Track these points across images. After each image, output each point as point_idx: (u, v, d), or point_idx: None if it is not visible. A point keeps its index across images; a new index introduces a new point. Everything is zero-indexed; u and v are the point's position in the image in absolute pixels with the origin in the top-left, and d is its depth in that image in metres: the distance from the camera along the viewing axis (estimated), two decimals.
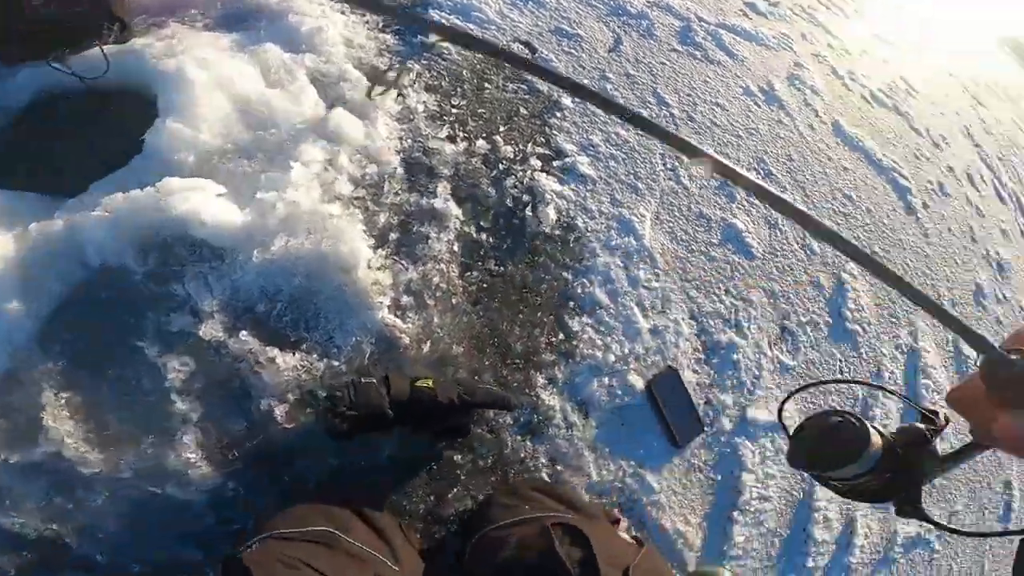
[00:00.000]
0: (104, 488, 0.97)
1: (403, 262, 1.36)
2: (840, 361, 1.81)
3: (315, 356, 1.19)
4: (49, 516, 0.93)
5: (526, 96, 1.77)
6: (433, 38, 1.63)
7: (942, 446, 0.60)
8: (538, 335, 1.43)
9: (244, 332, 1.17)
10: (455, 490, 1.18)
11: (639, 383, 1.46)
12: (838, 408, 0.64)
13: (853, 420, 0.59)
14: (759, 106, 2.29)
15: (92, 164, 1.30)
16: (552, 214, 1.59)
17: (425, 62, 1.67)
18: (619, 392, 1.43)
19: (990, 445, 0.54)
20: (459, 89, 1.68)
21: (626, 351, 1.49)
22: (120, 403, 1.05)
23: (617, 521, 0.78)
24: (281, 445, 1.10)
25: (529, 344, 1.41)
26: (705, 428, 1.46)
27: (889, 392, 0.78)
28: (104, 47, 1.28)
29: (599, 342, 1.47)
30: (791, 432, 0.65)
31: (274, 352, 1.16)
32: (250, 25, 1.53)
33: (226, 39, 1.47)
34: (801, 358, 1.74)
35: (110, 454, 0.98)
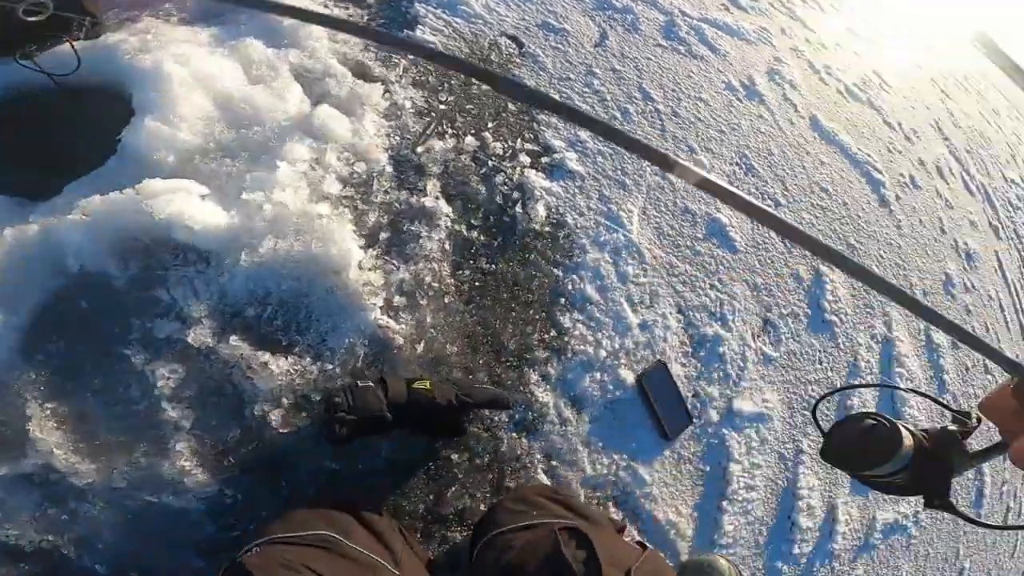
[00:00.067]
0: (99, 498, 0.95)
1: (394, 262, 1.35)
2: (819, 352, 1.86)
3: (308, 359, 1.18)
4: (45, 528, 0.91)
5: None
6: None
7: (971, 442, 0.64)
8: (530, 332, 1.44)
9: (234, 337, 1.15)
10: (453, 489, 1.19)
11: (630, 377, 1.48)
12: (870, 411, 0.68)
13: (885, 422, 0.63)
14: (740, 101, 2.32)
15: (66, 165, 1.25)
16: (542, 211, 1.60)
17: (411, 58, 1.64)
18: (611, 387, 1.45)
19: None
20: (446, 85, 1.66)
21: (616, 346, 1.51)
22: (109, 413, 1.02)
23: (623, 528, 0.80)
24: (278, 450, 1.09)
25: (522, 342, 1.42)
26: (693, 420, 1.50)
27: (924, 396, 0.82)
28: (75, 43, 1.22)
29: (590, 338, 1.49)
30: (825, 431, 0.69)
31: (266, 356, 1.14)
32: (228, 19, 1.48)
33: (204, 34, 1.42)
34: (783, 349, 1.80)
35: (102, 464, 0.96)
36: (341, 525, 0.90)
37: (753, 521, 1.45)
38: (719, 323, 1.72)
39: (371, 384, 1.05)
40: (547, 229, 1.59)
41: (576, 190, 1.69)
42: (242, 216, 1.23)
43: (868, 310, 2.07)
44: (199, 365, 1.11)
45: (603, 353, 1.48)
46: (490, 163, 1.59)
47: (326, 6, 1.60)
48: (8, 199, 1.21)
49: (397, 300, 1.31)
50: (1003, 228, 3.00)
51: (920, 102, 3.40)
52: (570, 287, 1.54)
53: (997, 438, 0.59)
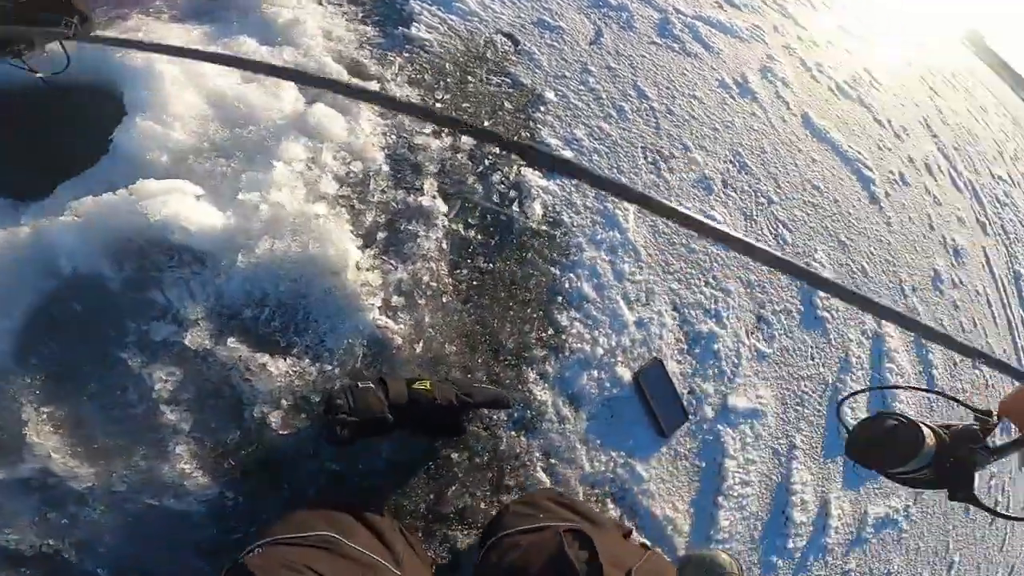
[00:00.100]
0: (99, 502, 0.94)
1: (392, 262, 1.35)
2: (811, 348, 1.89)
3: (307, 361, 1.18)
4: (45, 532, 0.91)
5: (510, 90, 1.76)
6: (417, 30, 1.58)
7: (992, 439, 0.66)
8: (528, 331, 1.44)
9: (232, 339, 1.14)
10: (453, 488, 1.19)
11: (626, 375, 1.49)
12: (891, 412, 0.71)
13: (907, 423, 0.66)
14: (734, 99, 2.34)
15: (56, 165, 1.23)
16: (538, 209, 1.60)
17: (407, 55, 1.63)
18: (608, 385, 1.46)
19: None
20: (442, 83, 1.65)
21: (613, 344, 1.52)
22: (106, 416, 1.01)
23: (629, 532, 0.82)
24: (278, 452, 1.08)
25: (520, 340, 1.42)
26: (689, 417, 1.52)
27: (948, 397, 0.87)
28: (64, 42, 1.20)
29: (587, 336, 1.50)
30: (849, 430, 0.72)
31: (264, 358, 1.14)
32: (221, 17, 1.46)
33: (196, 32, 1.40)
34: (776, 345, 1.82)
35: (101, 468, 0.96)
36: (342, 526, 0.90)
37: (748, 516, 1.47)
38: (714, 320, 1.74)
39: (371, 385, 1.05)
40: (544, 228, 1.59)
41: (572, 188, 1.69)
42: (238, 217, 1.22)
43: None
44: (197, 367, 1.10)
45: (600, 351, 1.49)
46: (487, 162, 1.59)
47: (321, 3, 1.58)
48: None
49: (395, 300, 1.30)
50: (990, 224, 3.05)
51: (909, 99, 3.45)
52: (567, 285, 1.54)
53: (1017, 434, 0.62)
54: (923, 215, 2.70)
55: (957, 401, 0.80)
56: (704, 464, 1.48)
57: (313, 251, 1.24)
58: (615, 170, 1.83)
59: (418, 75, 1.64)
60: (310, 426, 1.12)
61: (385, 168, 1.45)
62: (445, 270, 1.41)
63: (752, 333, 1.80)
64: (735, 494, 1.47)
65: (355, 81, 1.41)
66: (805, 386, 1.77)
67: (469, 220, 1.50)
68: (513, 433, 1.30)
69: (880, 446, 0.69)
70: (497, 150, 1.60)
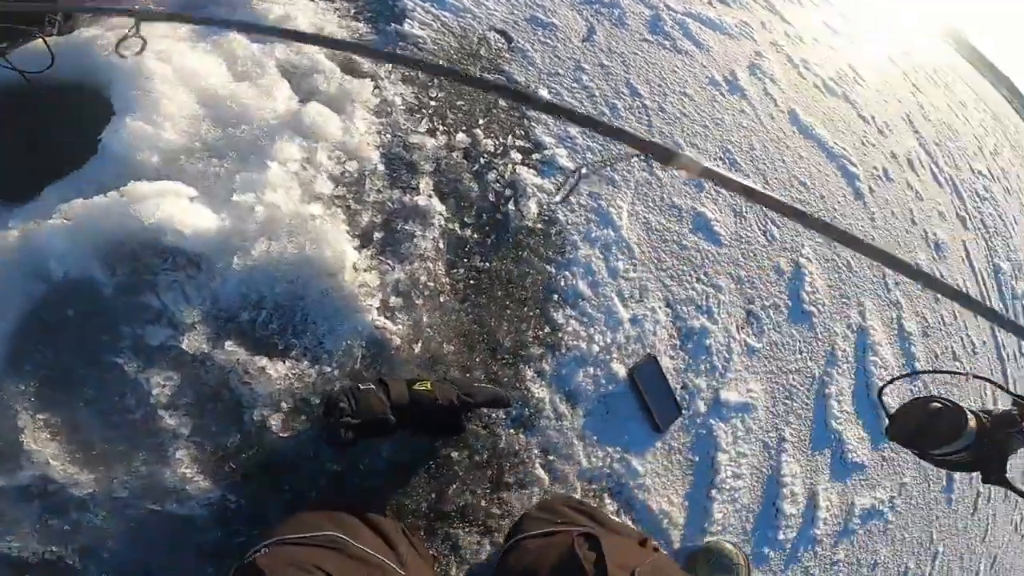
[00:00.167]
0: (100, 508, 0.93)
1: (389, 262, 1.35)
2: (799, 342, 1.94)
3: (306, 363, 1.17)
4: (47, 538, 0.90)
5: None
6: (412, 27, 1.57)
7: None
8: (525, 329, 1.46)
9: (229, 342, 1.13)
10: (454, 486, 1.21)
11: (621, 371, 1.52)
12: (934, 395, 0.74)
13: (952, 406, 0.69)
14: (723, 96, 2.36)
15: (44, 167, 1.20)
16: (534, 208, 1.61)
17: (401, 52, 1.62)
18: (603, 381, 1.48)
19: None
20: (436, 80, 1.64)
21: (608, 341, 1.54)
22: (104, 422, 1.00)
23: (645, 540, 0.84)
24: (279, 454, 1.09)
25: (517, 339, 1.44)
26: (683, 412, 1.55)
27: (990, 382, 0.91)
28: (47, 39, 1.17)
29: (583, 333, 1.52)
30: (891, 413, 0.75)
31: (263, 361, 1.14)
32: (210, 14, 1.43)
33: (185, 29, 1.38)
34: (765, 340, 1.86)
35: (101, 474, 0.95)
36: (348, 526, 0.91)
37: (740, 509, 1.51)
38: (705, 316, 1.77)
39: (372, 386, 1.06)
40: (539, 226, 1.60)
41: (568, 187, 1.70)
42: (233, 218, 1.21)
43: (844, 300, 2.15)
44: (195, 371, 1.09)
45: (596, 348, 1.51)
46: (482, 160, 1.59)
47: None
48: None
49: (393, 301, 1.30)
50: (970, 219, 3.14)
51: (892, 96, 3.51)
52: (563, 283, 1.56)
53: None
54: (905, 210, 2.77)
55: (998, 386, 0.84)
56: (697, 458, 1.51)
57: (310, 252, 1.23)
58: (608, 167, 1.84)
59: (412, 73, 1.63)
60: (311, 428, 1.12)
61: (380, 167, 1.44)
62: (442, 270, 1.42)
63: (742, 328, 1.84)
64: (728, 487, 1.51)
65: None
66: (793, 380, 1.82)
67: (465, 219, 1.50)
68: (512, 431, 1.32)
69: (924, 427, 0.72)
70: (491, 151, 1.60)
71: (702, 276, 1.83)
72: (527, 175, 1.64)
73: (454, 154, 1.56)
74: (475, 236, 1.49)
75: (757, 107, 2.46)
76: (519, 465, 1.30)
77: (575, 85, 1.90)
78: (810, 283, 2.08)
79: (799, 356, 1.88)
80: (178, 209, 1.17)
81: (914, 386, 2.12)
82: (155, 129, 1.25)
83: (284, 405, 1.12)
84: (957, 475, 2.11)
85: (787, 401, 1.76)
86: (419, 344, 1.30)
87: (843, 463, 1.79)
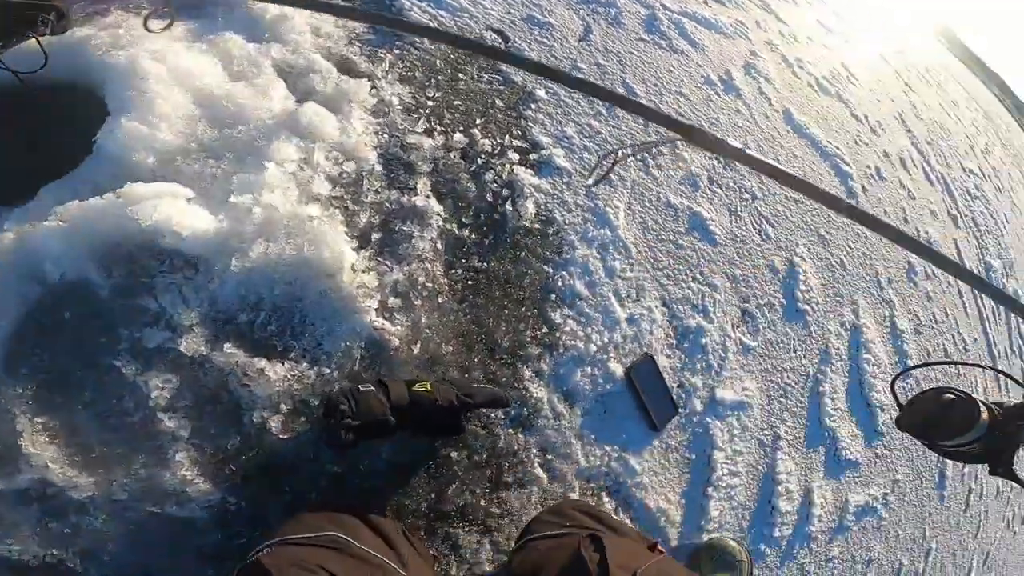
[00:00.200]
0: (100, 511, 0.93)
1: (387, 263, 1.35)
2: (794, 340, 1.95)
3: (305, 364, 1.17)
4: (48, 542, 0.90)
5: (500, 87, 1.75)
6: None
7: None
8: (523, 329, 1.46)
9: (228, 344, 1.13)
10: (454, 486, 1.21)
11: (619, 370, 1.53)
12: (948, 386, 0.75)
13: (965, 397, 0.69)
14: (719, 95, 2.37)
15: (38, 169, 1.19)
16: (531, 208, 1.61)
17: (397, 51, 1.62)
18: (601, 380, 1.49)
19: None
20: (433, 80, 1.64)
21: (606, 340, 1.55)
22: (103, 425, 1.00)
23: (654, 545, 0.85)
24: (279, 456, 1.09)
25: (515, 339, 1.44)
26: (679, 410, 1.56)
27: (1004, 375, 0.91)
28: (40, 39, 1.16)
29: (580, 333, 1.52)
30: (903, 403, 0.76)
31: (262, 363, 1.14)
32: (206, 13, 1.42)
33: (179, 28, 1.36)
34: (760, 339, 1.87)
35: (100, 477, 0.95)
36: (349, 526, 0.92)
37: (736, 506, 1.53)
38: (701, 315, 1.78)
39: (372, 388, 1.06)
40: (536, 226, 1.61)
41: (564, 186, 1.71)
42: (231, 220, 1.20)
43: (837, 299, 2.18)
44: (193, 374, 1.09)
45: (593, 348, 1.52)
46: (479, 160, 1.59)
47: None
48: None
49: (392, 302, 1.31)
50: (961, 217, 3.17)
51: (885, 95, 3.54)
52: (560, 283, 1.56)
53: None
54: (898, 208, 2.80)
55: (1012, 379, 0.85)
56: (694, 456, 1.53)
57: (308, 253, 1.23)
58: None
59: (408, 72, 1.62)
60: (310, 430, 1.12)
61: (378, 168, 1.44)
62: (440, 270, 1.42)
63: (737, 327, 1.85)
64: (724, 484, 1.53)
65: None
66: (788, 378, 1.84)
67: (463, 220, 1.50)
68: (510, 431, 1.33)
69: (936, 418, 0.72)
70: (489, 151, 1.60)
71: (698, 275, 1.84)
72: (524, 175, 1.64)
73: (451, 154, 1.56)
74: (473, 236, 1.50)
75: (752, 107, 2.47)
76: (518, 465, 1.30)
77: None
78: (804, 282, 2.10)
79: (793, 354, 1.90)
80: (175, 211, 1.17)
81: (909, 383, 2.15)
82: (150, 130, 1.24)
83: (283, 407, 1.12)
84: (949, 472, 2.14)
85: (782, 399, 1.78)
86: (418, 345, 1.30)
87: (837, 460, 1.81)
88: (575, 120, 1.84)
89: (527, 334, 1.46)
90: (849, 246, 2.41)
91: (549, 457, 1.35)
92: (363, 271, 1.31)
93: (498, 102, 1.72)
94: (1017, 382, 0.80)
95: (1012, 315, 3.09)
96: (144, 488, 0.97)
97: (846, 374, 1.98)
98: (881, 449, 1.93)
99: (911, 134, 3.39)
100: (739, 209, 2.11)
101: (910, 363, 2.16)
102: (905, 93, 3.87)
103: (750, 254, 2.02)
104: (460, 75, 1.70)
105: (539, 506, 1.29)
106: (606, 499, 1.37)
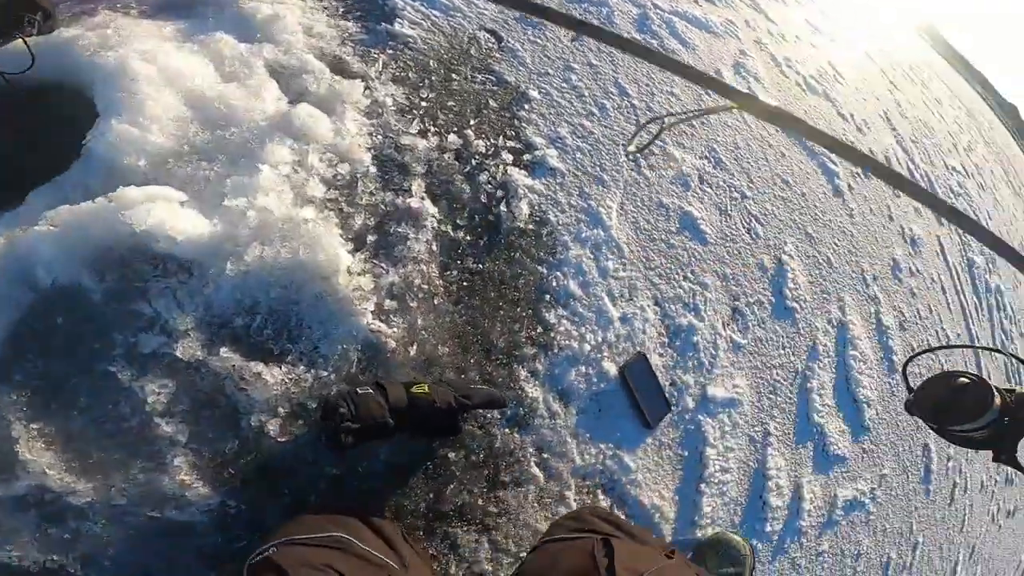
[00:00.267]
0: (99, 516, 0.94)
1: (383, 265, 1.35)
2: (782, 337, 1.99)
3: (302, 367, 1.18)
4: (47, 548, 0.90)
5: (494, 87, 1.76)
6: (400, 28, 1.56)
7: None
8: (518, 330, 1.47)
9: (224, 348, 1.13)
10: (451, 486, 1.23)
11: (612, 369, 1.55)
12: (961, 370, 0.74)
13: (979, 381, 0.70)
14: (709, 95, 2.39)
15: (26, 172, 1.18)
16: (525, 209, 1.62)
17: (391, 52, 1.61)
18: (595, 379, 1.51)
19: None
20: (427, 81, 1.64)
21: (600, 340, 1.57)
22: (100, 431, 1.00)
23: (672, 552, 0.87)
24: (277, 459, 1.09)
25: (510, 339, 1.45)
26: (672, 408, 1.59)
27: (1019, 360, 0.93)
28: (27, 39, 1.14)
29: (574, 333, 1.54)
30: (914, 387, 0.76)
31: (259, 367, 1.14)
32: (195, 13, 1.40)
33: (169, 28, 1.35)
34: (750, 336, 1.91)
35: (99, 482, 0.95)
36: (351, 527, 0.93)
37: (729, 502, 1.56)
38: (692, 313, 1.81)
39: (370, 390, 1.07)
40: (531, 227, 1.62)
41: (557, 187, 1.72)
42: (225, 223, 1.20)
43: (824, 296, 2.22)
44: (190, 378, 1.09)
45: (587, 347, 1.53)
46: (473, 161, 1.60)
47: None
48: None
49: (388, 304, 1.31)
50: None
51: (871, 93, 3.59)
52: (554, 284, 1.58)
53: None
54: (883, 206, 2.84)
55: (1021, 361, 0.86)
56: (687, 453, 1.56)
57: (303, 256, 1.23)
58: (598, 168, 1.86)
59: (402, 72, 1.62)
60: (308, 432, 1.13)
61: (372, 170, 1.44)
62: (436, 272, 1.43)
63: (728, 325, 1.88)
64: (716, 481, 1.56)
65: None
66: (777, 375, 1.87)
67: (458, 221, 1.51)
68: (507, 430, 1.34)
69: (948, 402, 0.72)
70: (483, 152, 1.61)
71: (689, 274, 1.87)
72: (518, 176, 1.65)
73: (446, 155, 1.56)
74: (468, 238, 1.50)
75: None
76: (514, 464, 1.32)
77: (564, 85, 1.91)
78: (792, 279, 2.13)
79: (782, 351, 1.94)
80: (169, 214, 1.16)
81: (892, 378, 2.20)
82: (141, 132, 1.23)
83: (281, 410, 1.12)
84: (934, 466, 2.19)
85: (771, 396, 1.82)
86: (414, 347, 1.31)
87: (825, 455, 1.85)
88: (568, 120, 1.84)
89: (522, 334, 1.47)
90: (835, 244, 2.45)
91: (545, 456, 1.36)
92: (359, 274, 1.31)
93: (492, 103, 1.72)
94: None
95: (994, 311, 3.17)
96: (143, 493, 0.97)
97: (833, 370, 2.02)
98: (868, 444, 1.98)
99: (896, 132, 3.45)
100: (729, 208, 2.14)
101: (895, 359, 2.21)
102: (890, 91, 3.93)
103: (740, 253, 2.05)
104: (454, 75, 1.70)
105: (536, 504, 1.31)
106: (601, 497, 1.40)
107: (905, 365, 0.87)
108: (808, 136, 0.81)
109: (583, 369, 1.51)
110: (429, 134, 1.56)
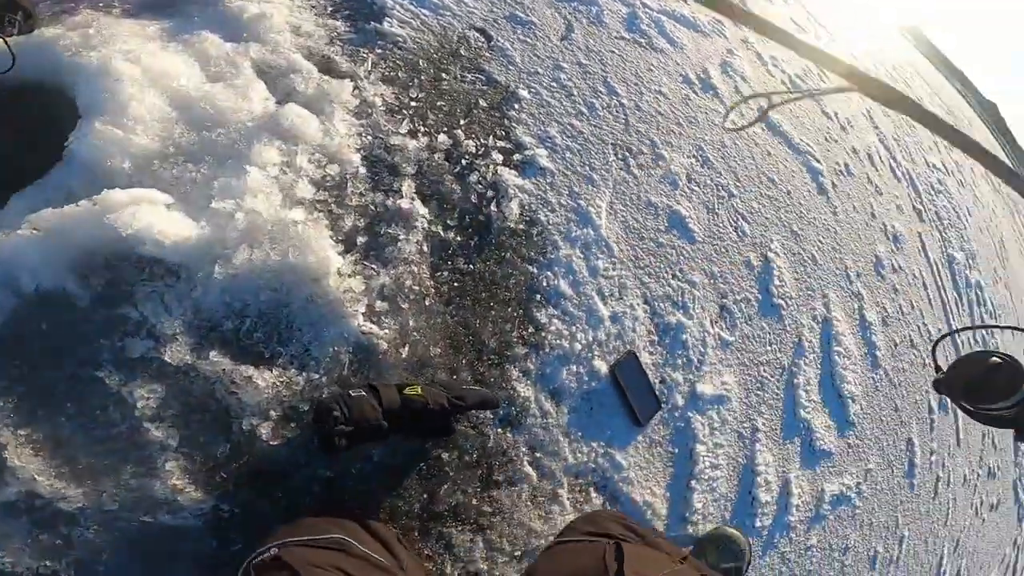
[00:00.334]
0: (92, 522, 0.93)
1: (373, 266, 1.35)
2: (769, 334, 2.02)
3: (293, 370, 1.17)
4: (40, 553, 0.89)
5: (484, 87, 1.75)
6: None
7: None
8: (509, 330, 1.48)
9: (214, 352, 1.12)
10: (445, 486, 1.23)
11: (603, 368, 1.56)
12: (994, 350, 0.76)
13: (1011, 361, 0.71)
14: (697, 94, 2.41)
15: (7, 174, 1.15)
16: (515, 209, 1.63)
17: (380, 51, 1.60)
18: (586, 378, 1.53)
19: None
20: (416, 80, 1.63)
21: (590, 339, 1.58)
22: (89, 436, 0.98)
23: (684, 558, 0.88)
24: (270, 462, 1.09)
25: (502, 339, 1.46)
26: (662, 405, 1.61)
27: None
28: (8, 39, 1.12)
29: (565, 332, 1.55)
30: (944, 368, 0.77)
31: (249, 370, 1.13)
32: (180, 11, 1.38)
33: (153, 27, 1.33)
34: (738, 333, 1.93)
35: (90, 488, 0.94)
36: (350, 530, 0.93)
37: (719, 498, 1.59)
38: (681, 311, 1.83)
39: (363, 392, 1.07)
40: (521, 227, 1.62)
41: (547, 187, 1.72)
42: (213, 226, 1.18)
43: (809, 293, 2.25)
44: (180, 383, 1.08)
45: (578, 346, 1.55)
46: (464, 162, 1.60)
47: None
48: None
49: (379, 305, 1.31)
50: (925, 211, 3.31)
51: (854, 92, 3.64)
52: (544, 283, 1.58)
53: None
54: (866, 204, 2.90)
55: None
56: (677, 450, 1.58)
57: (293, 259, 1.22)
58: (587, 167, 1.87)
59: (391, 72, 1.61)
60: (301, 435, 1.12)
61: (362, 170, 1.43)
62: (426, 273, 1.42)
63: (716, 322, 1.91)
64: (706, 477, 1.58)
65: None
66: (764, 371, 1.90)
67: (448, 222, 1.51)
68: (499, 430, 1.35)
69: (980, 382, 0.74)
70: (473, 152, 1.61)
71: (677, 273, 1.89)
72: (508, 176, 1.65)
73: (436, 156, 1.56)
74: (458, 238, 1.50)
75: (728, 105, 2.52)
76: (507, 463, 1.33)
77: (554, 84, 1.92)
78: (779, 277, 2.16)
79: (769, 348, 1.97)
80: (155, 217, 1.14)
81: (876, 373, 2.25)
82: (125, 133, 1.21)
83: (273, 413, 1.12)
84: (918, 460, 2.25)
85: (759, 392, 1.85)
86: (406, 348, 1.31)
87: (812, 451, 1.89)
88: (557, 120, 1.85)
89: (513, 334, 1.48)
90: (820, 241, 2.49)
91: (538, 455, 1.38)
92: (349, 275, 1.30)
93: (481, 102, 1.72)
94: None
95: (974, 306, 3.25)
96: (135, 498, 0.96)
97: (819, 366, 2.06)
98: (853, 439, 2.02)
99: (878, 130, 3.51)
100: (716, 207, 2.16)
101: (878, 355, 2.26)
102: None
103: (727, 251, 2.08)
104: (443, 75, 1.70)
105: (529, 503, 1.32)
106: (594, 495, 1.41)
107: (934, 346, 0.89)
108: (921, 121, 0.79)
109: (574, 368, 1.52)
110: (419, 134, 1.56)
